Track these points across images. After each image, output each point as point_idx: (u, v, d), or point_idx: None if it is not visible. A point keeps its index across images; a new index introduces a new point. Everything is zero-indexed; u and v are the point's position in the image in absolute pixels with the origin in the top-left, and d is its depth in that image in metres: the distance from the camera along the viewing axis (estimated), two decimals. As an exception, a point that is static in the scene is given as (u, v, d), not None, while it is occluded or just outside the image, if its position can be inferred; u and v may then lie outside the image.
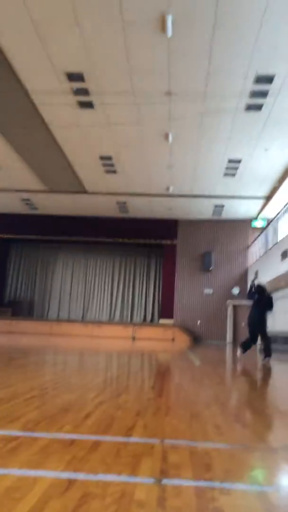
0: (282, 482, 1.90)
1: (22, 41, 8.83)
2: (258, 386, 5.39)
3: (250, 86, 10.14)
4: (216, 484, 1.74)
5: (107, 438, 2.31)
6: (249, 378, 6.25)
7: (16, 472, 1.72)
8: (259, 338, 9.17)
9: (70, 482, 1.64)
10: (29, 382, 4.21)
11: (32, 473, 1.72)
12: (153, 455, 2.05)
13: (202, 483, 1.74)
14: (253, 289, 9.20)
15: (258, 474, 1.96)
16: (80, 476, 1.71)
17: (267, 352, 8.74)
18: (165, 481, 1.73)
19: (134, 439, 2.32)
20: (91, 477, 1.71)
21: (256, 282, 9.70)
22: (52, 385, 4.08)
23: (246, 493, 1.68)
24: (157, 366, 7.46)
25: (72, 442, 2.19)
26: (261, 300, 9.00)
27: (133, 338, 19.56)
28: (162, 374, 6.10)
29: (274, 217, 17.29)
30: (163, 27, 8.23)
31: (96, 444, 2.16)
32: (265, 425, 3.00)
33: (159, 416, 2.96)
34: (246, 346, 9.13)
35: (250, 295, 9.20)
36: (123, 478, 1.73)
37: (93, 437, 2.30)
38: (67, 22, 8.19)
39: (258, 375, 6.79)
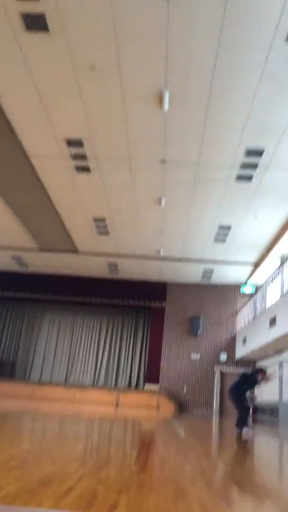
0: None
1: (26, 108, 9.28)
2: (245, 461, 5.19)
3: (241, 158, 10.63)
4: None
5: (89, 517, 2.19)
6: (235, 452, 6.03)
7: None
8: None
9: None
10: (7, 451, 4.01)
11: None
12: (137, 538, 1.94)
13: None
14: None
15: None
16: None
17: (239, 424, 8.39)
18: None
19: (117, 519, 2.20)
20: None
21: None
22: (33, 456, 3.90)
23: None
24: (141, 436, 7.18)
25: (51, 520, 2.07)
26: (247, 374, 9.00)
27: (117, 405, 18.91)
28: (146, 445, 5.86)
29: (263, 284, 17.46)
30: (160, 102, 8.73)
31: (76, 524, 2.05)
32: (252, 504, 2.87)
33: (143, 494, 2.82)
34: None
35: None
36: None
37: (74, 516, 2.17)
38: (70, 92, 8.67)
39: (245, 449, 6.55)
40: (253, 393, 8.83)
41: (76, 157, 10.94)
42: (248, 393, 8.92)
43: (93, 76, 8.21)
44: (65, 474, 3.17)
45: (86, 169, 11.48)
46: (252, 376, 8.91)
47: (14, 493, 2.45)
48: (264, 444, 7.77)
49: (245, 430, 8.20)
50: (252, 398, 9.38)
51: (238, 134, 9.71)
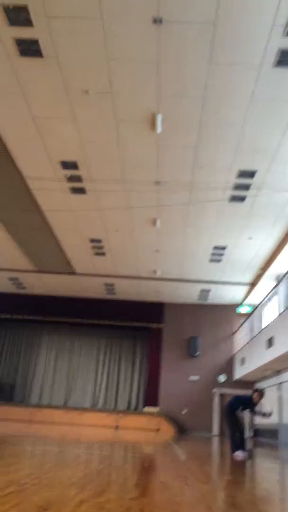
0: None
1: (21, 131, 9.41)
2: (244, 486, 5.12)
3: (234, 179, 10.76)
4: None
5: None
6: (235, 477, 5.96)
7: None
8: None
9: None
10: (6, 477, 3.96)
11: None
12: None
13: None
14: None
15: None
16: None
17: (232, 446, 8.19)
18: None
19: None
20: None
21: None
22: (31, 480, 3.84)
23: None
24: (141, 460, 7.08)
25: None
26: (244, 397, 8.76)
27: (116, 427, 18.65)
28: (146, 469, 5.79)
29: (259, 304, 17.45)
30: (153, 125, 8.88)
31: None
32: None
33: (143, 518, 2.79)
34: (240, 444, 8.25)
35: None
36: None
37: None
38: (64, 116, 8.82)
39: (245, 473, 6.47)
40: (254, 411, 8.60)
41: (71, 179, 11.06)
42: (239, 412, 8.66)
43: (86, 100, 8.37)
44: (64, 499, 3.13)
45: (81, 190, 11.59)
46: (247, 396, 8.74)
47: (12, 521, 2.42)
48: (265, 467, 7.66)
49: (237, 453, 7.87)
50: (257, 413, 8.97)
51: (231, 155, 9.86)
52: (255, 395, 8.63)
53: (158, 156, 10.03)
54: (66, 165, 10.52)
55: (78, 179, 11.08)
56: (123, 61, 7.51)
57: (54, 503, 2.98)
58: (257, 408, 8.49)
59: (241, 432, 8.44)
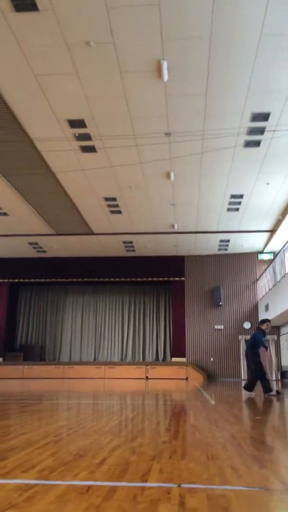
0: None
1: (26, 94, 9.22)
2: (275, 425, 5.27)
3: (247, 123, 10.42)
4: (236, 528, 1.71)
5: (123, 483, 2.28)
6: (265, 417, 6.12)
7: (33, 523, 1.70)
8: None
9: (88, 532, 1.62)
10: (43, 428, 4.16)
11: (49, 523, 1.70)
12: (170, 500, 2.02)
13: (221, 528, 1.71)
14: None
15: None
16: (97, 525, 1.70)
17: (247, 387, 9.34)
18: (183, 527, 1.71)
19: (150, 484, 2.29)
20: (109, 525, 1.70)
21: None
22: (66, 431, 4.03)
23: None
24: (172, 406, 7.33)
25: (88, 489, 2.16)
26: (259, 334, 9.47)
27: (147, 378, 19.26)
28: (176, 415, 5.99)
29: (280, 250, 17.33)
30: (159, 73, 8.57)
31: (112, 490, 2.14)
32: (284, 465, 2.94)
33: (175, 459, 2.91)
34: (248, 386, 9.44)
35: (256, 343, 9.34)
36: (141, 525, 1.71)
37: (109, 483, 2.27)
38: (66, 71, 8.57)
39: (274, 414, 6.65)
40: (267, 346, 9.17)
41: (80, 137, 10.89)
42: (262, 349, 9.15)
43: (88, 53, 8.09)
44: (99, 446, 3.29)
45: (91, 149, 11.43)
46: (258, 329, 9.43)
47: (50, 468, 2.57)
48: (293, 405, 7.84)
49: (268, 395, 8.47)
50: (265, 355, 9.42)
51: (242, 99, 9.50)
52: (265, 326, 9.11)
53: (167, 106, 9.74)
54: (74, 123, 10.33)
55: (87, 137, 10.90)
56: (123, 8, 7.17)
57: (89, 450, 3.14)
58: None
59: (262, 370, 8.90)
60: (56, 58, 8.22)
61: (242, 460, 2.94)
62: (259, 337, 9.33)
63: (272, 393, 9.00)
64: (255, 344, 9.18)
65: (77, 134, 10.77)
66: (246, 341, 20.24)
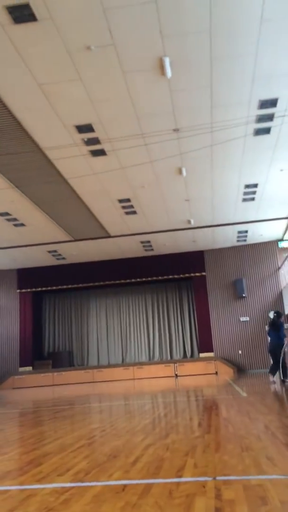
0: None
1: (31, 105, 9.29)
2: (308, 410, 5.20)
3: (255, 111, 10.29)
4: (274, 517, 1.70)
5: (158, 480, 2.28)
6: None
7: (70, 524, 1.72)
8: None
9: (125, 530, 1.63)
10: (76, 432, 4.19)
11: (86, 524, 1.71)
12: (206, 493, 2.01)
13: (259, 518, 1.69)
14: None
15: None
16: (135, 522, 1.70)
17: (284, 373, 9.93)
18: (221, 519, 1.70)
19: (185, 479, 2.28)
20: (146, 522, 1.70)
21: (270, 313, 11.35)
22: (99, 433, 4.06)
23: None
24: (203, 401, 7.30)
25: (123, 488, 2.17)
26: (277, 325, 10.68)
27: (176, 376, 19.23)
28: (208, 409, 5.97)
29: (300, 235, 17.10)
30: (162, 69, 8.54)
31: (147, 488, 2.14)
32: None
33: (209, 453, 2.90)
34: (273, 370, 10.50)
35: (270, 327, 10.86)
36: (178, 520, 1.70)
37: (144, 481, 2.27)
38: (69, 77, 8.60)
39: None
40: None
41: (89, 142, 10.92)
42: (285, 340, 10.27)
43: (90, 57, 8.11)
44: (132, 446, 3.30)
45: (101, 152, 11.45)
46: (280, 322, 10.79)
47: (85, 470, 2.58)
48: None
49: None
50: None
51: (248, 87, 9.39)
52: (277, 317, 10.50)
53: (173, 102, 9.70)
54: (81, 128, 10.37)
55: (96, 141, 10.93)
56: (120, 8, 7.17)
57: (122, 450, 3.15)
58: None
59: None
60: (58, 65, 8.26)
61: (277, 449, 2.91)
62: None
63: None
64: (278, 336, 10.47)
65: (85, 139, 10.81)
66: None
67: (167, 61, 8.31)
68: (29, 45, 7.71)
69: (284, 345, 10.18)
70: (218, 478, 2.27)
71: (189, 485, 2.17)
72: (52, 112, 9.63)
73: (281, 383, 10.00)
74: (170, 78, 8.80)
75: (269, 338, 11.14)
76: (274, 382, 10.09)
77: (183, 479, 2.27)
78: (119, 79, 8.79)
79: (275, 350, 10.39)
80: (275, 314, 10.99)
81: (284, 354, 10.12)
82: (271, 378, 10.58)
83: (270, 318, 11.43)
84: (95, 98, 9.32)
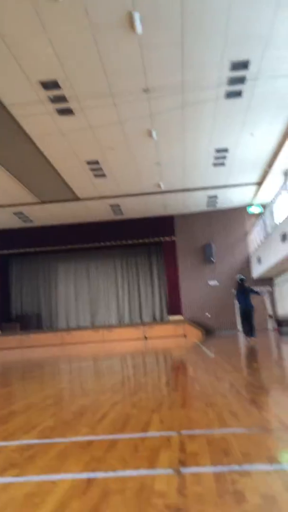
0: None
1: (-5, 57, 8.83)
2: (272, 371, 5.38)
3: (227, 73, 10.11)
4: (235, 467, 1.75)
5: (124, 436, 2.31)
6: (262, 364, 6.25)
7: (34, 478, 1.72)
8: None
9: (89, 482, 1.64)
10: (44, 392, 4.21)
11: (50, 477, 1.72)
12: (171, 446, 2.05)
13: (221, 468, 1.74)
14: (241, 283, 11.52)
15: (277, 454, 1.96)
16: (99, 475, 1.72)
17: (251, 332, 10.83)
18: (184, 470, 1.73)
19: (151, 433, 2.32)
20: (110, 474, 1.72)
21: (237, 278, 11.94)
22: (67, 393, 4.08)
23: (266, 473, 1.68)
24: (171, 363, 7.46)
25: (89, 443, 2.19)
26: (244, 290, 11.28)
27: (145, 338, 19.56)
28: (176, 369, 6.10)
29: (269, 201, 17.28)
30: (131, 25, 8.21)
31: (113, 443, 2.17)
32: (281, 406, 3.00)
33: (175, 409, 2.96)
34: (246, 331, 11.16)
35: (238, 291, 11.49)
36: (142, 471, 1.73)
37: (110, 437, 2.30)
38: (35, 30, 8.18)
39: (270, 360, 6.79)
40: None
41: (55, 99, 10.53)
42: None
43: (56, 8, 7.70)
44: (99, 404, 3.33)
45: (68, 111, 11.08)
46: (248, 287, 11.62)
47: (51, 427, 2.59)
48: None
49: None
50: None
51: (220, 48, 9.17)
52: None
53: (143, 60, 9.39)
54: (47, 85, 9.95)
55: (62, 99, 10.54)
56: None
57: (89, 408, 3.18)
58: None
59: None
60: (22, 16, 7.81)
61: (241, 405, 3.00)
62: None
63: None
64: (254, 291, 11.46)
65: (51, 96, 10.40)
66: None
67: (137, 16, 8.00)
68: (-10, -8, 7.23)
69: (253, 309, 11.05)
70: (183, 432, 2.32)
71: (154, 439, 2.20)
72: (16, 65, 9.18)
73: (246, 339, 11.03)
74: (141, 34, 8.49)
75: (237, 302, 11.95)
76: (248, 342, 10.69)
77: (148, 434, 2.31)
78: (87, 34, 8.41)
79: (245, 313, 11.12)
80: (240, 279, 11.52)
81: (252, 316, 10.99)
82: (246, 339, 11.23)
83: (238, 281, 11.72)
84: (62, 53, 8.92)
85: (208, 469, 1.72)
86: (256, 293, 11.50)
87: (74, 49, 8.81)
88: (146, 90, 10.47)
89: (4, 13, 7.70)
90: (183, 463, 1.81)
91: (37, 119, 11.31)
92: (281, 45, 9.23)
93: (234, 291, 12.25)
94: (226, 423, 2.48)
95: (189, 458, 1.87)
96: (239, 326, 20.18)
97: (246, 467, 1.74)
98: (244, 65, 9.86)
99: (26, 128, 11.80)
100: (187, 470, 1.72)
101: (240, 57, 9.56)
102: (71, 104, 10.78)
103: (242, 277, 11.75)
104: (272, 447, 2.03)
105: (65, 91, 10.21)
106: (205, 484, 1.58)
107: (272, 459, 1.84)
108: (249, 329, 10.94)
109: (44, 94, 10.27)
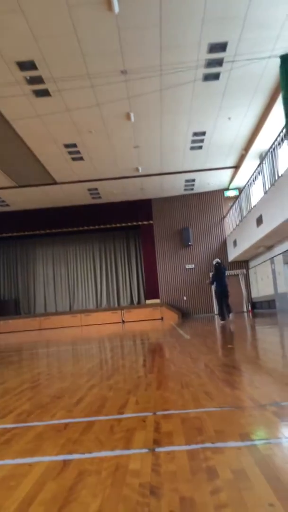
0: (272, 435, 1.96)
1: None
2: (245, 351, 5.50)
3: (205, 55, 10.08)
4: (209, 445, 1.79)
5: (100, 418, 2.35)
6: (237, 345, 6.37)
7: (10, 462, 1.74)
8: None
9: (65, 463, 1.67)
10: (21, 377, 4.21)
11: (26, 460, 1.74)
12: (146, 427, 2.09)
13: (194, 446, 1.79)
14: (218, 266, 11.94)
15: (249, 431, 2.02)
16: (75, 456, 1.74)
17: (229, 310, 11.55)
18: (158, 449, 1.77)
19: (126, 415, 2.36)
20: (86, 455, 1.75)
21: (214, 262, 12.25)
22: (44, 377, 4.10)
23: (238, 449, 1.74)
24: (148, 345, 7.54)
25: (65, 426, 2.21)
26: (220, 273, 11.74)
27: (123, 322, 19.67)
28: (152, 351, 6.17)
29: (245, 185, 17.42)
30: (109, 4, 8.07)
31: (89, 425, 2.20)
32: (254, 385, 3.08)
33: (151, 391, 3.01)
34: (222, 313, 11.64)
35: (214, 275, 11.98)
36: (117, 452, 1.76)
37: (86, 419, 2.33)
38: (10, 7, 7.96)
39: (244, 341, 6.93)
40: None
41: (31, 81, 10.33)
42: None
43: (32, -15, 7.50)
44: (76, 387, 3.36)
45: (45, 92, 10.89)
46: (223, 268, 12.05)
47: (27, 411, 2.61)
48: (264, 332, 8.20)
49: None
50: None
51: (198, 30, 9.12)
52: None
53: (121, 41, 9.27)
54: (23, 65, 9.75)
55: (39, 80, 10.35)
56: None
57: (66, 391, 3.21)
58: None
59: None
60: (-5, -8, 7.58)
61: (214, 385, 3.06)
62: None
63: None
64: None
65: (28, 77, 10.20)
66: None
67: (114, -6, 7.84)
68: None
69: (228, 292, 11.56)
70: (158, 413, 2.36)
71: (129, 420, 2.24)
72: (-10, 45, 8.93)
73: (221, 320, 11.54)
74: (118, 14, 8.37)
75: (213, 286, 12.24)
76: (223, 325, 10.90)
77: (124, 416, 2.35)
78: (64, 13, 8.24)
79: (222, 294, 11.63)
80: (217, 263, 11.93)
81: (228, 296, 11.63)
82: (220, 321, 11.70)
83: (215, 264, 11.88)
84: (38, 32, 8.72)
85: (182, 448, 1.77)
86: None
87: (51, 29, 8.63)
88: (124, 72, 10.36)
89: (-24, -11, 7.45)
90: (158, 443, 1.85)
91: (13, 100, 11.08)
92: (258, 27, 9.23)
93: (210, 277, 12.90)
94: (200, 403, 2.54)
95: (164, 438, 1.91)
96: (216, 309, 20.50)
97: (219, 444, 1.79)
98: (222, 47, 9.84)
99: (2, 110, 11.56)
100: (162, 449, 1.76)
101: (218, 38, 9.54)
102: (48, 86, 10.59)
103: (219, 260, 12.14)
104: (244, 424, 2.09)
105: (42, 72, 10.01)
106: (179, 462, 1.62)
107: (244, 436, 1.89)
108: (226, 309, 11.54)
109: (20, 74, 10.05)
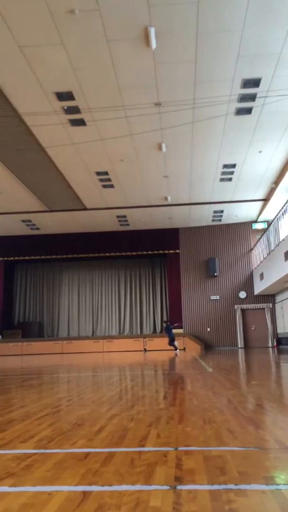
0: (298, 479, 1.89)
1: (11, 67, 8.99)
2: (271, 389, 5.36)
3: (238, 90, 10.25)
4: (232, 486, 1.75)
5: (121, 449, 2.32)
6: (261, 381, 6.22)
7: (30, 489, 1.73)
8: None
9: (85, 495, 1.65)
10: (42, 401, 4.21)
11: (46, 488, 1.72)
12: (167, 462, 2.05)
13: (217, 487, 1.74)
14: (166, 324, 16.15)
15: (274, 474, 1.96)
16: (95, 488, 1.72)
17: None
18: (180, 487, 1.74)
19: (147, 448, 2.32)
20: (106, 488, 1.72)
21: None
22: (65, 402, 4.08)
23: (262, 493, 1.68)
24: (170, 376, 7.43)
25: (86, 455, 2.19)
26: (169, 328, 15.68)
27: (145, 350, 19.48)
28: (174, 383, 6.08)
29: (274, 218, 17.32)
30: (147, 40, 8.36)
31: (110, 456, 2.17)
32: (278, 425, 2.99)
33: (172, 424, 2.96)
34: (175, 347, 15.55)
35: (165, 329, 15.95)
36: (138, 487, 1.73)
37: (107, 450, 2.30)
38: (52, 41, 8.33)
39: (270, 379, 6.75)
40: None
41: (68, 110, 10.69)
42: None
43: (73, 21, 7.85)
44: (97, 415, 3.33)
45: (81, 122, 11.23)
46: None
47: (48, 437, 2.60)
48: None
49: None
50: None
51: (232, 64, 9.31)
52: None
53: (156, 75, 9.54)
54: (62, 96, 10.12)
55: (76, 110, 10.70)
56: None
57: (87, 419, 3.18)
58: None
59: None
60: (40, 27, 7.97)
61: (238, 422, 2.99)
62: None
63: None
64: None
65: (65, 107, 10.56)
66: (241, 310, 20.49)
67: (152, 31, 8.14)
68: (10, 4, 7.39)
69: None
70: (179, 448, 2.32)
71: (150, 454, 2.21)
72: (32, 76, 9.35)
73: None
74: (155, 49, 8.64)
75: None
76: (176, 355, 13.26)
77: (145, 449, 2.31)
78: (103, 47, 8.56)
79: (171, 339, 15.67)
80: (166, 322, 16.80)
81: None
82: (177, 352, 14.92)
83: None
84: (77, 65, 9.07)
85: (204, 487, 1.73)
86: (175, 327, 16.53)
87: (90, 62, 8.96)
88: (157, 104, 10.60)
89: (23, 24, 7.85)
90: (179, 480, 1.82)
91: (50, 128, 11.47)
92: (293, 65, 9.34)
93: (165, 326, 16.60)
94: (223, 440, 2.48)
95: (186, 475, 1.87)
96: (240, 342, 20.10)
97: (242, 486, 1.74)
98: (255, 82, 9.98)
99: (39, 137, 11.95)
100: (183, 488, 1.72)
101: (252, 74, 9.70)
102: (84, 116, 10.93)
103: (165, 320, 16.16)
104: (269, 467, 2.03)
105: (78, 102, 10.36)
106: (200, 502, 1.58)
107: (268, 479, 1.83)
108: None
109: (58, 104, 10.42)
